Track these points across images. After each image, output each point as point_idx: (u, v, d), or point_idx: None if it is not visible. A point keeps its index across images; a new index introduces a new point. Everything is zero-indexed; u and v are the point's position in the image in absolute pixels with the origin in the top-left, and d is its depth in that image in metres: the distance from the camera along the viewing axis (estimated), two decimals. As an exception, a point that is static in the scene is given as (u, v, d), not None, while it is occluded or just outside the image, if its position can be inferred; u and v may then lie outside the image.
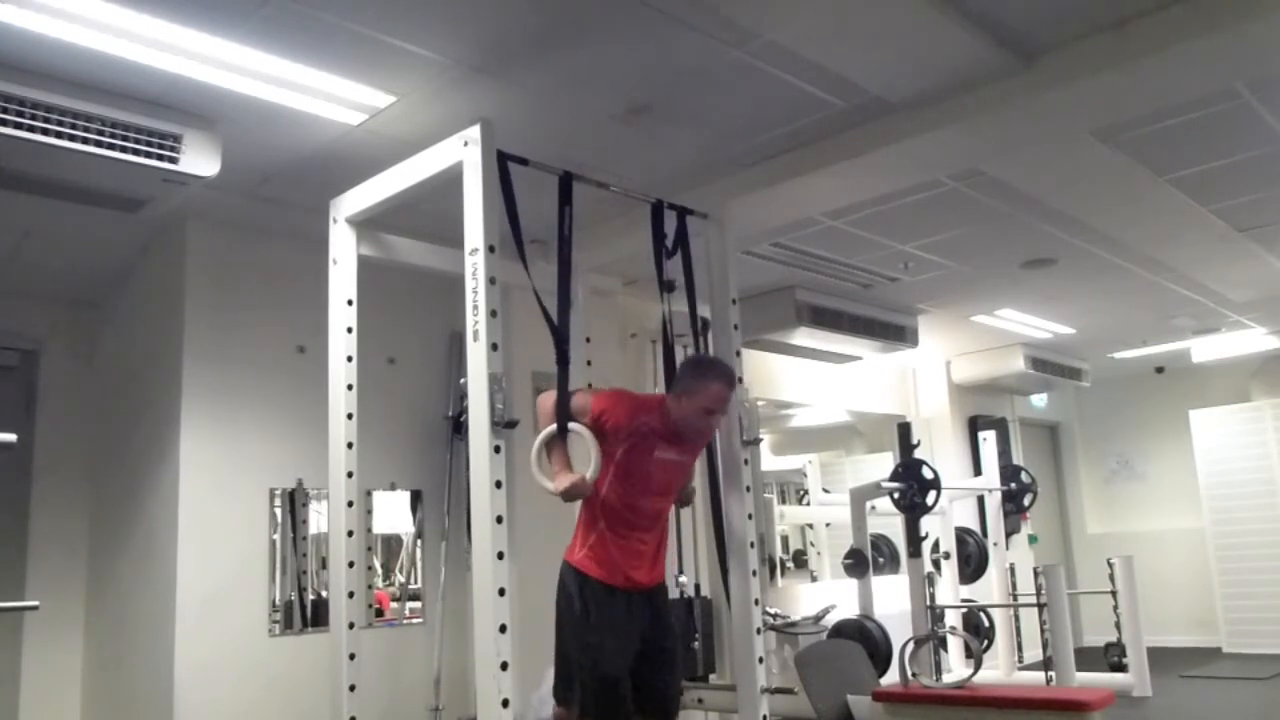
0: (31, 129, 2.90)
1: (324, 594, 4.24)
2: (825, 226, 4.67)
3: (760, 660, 2.98)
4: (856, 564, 5.74)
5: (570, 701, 2.78)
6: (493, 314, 2.42)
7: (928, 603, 5.75)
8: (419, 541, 4.79)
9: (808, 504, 7.39)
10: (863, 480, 6.19)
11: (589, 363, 3.56)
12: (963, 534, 6.93)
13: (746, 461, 3.08)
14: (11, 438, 2.27)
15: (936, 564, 6.69)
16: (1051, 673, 5.65)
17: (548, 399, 2.83)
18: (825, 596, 5.77)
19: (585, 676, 2.74)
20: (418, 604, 4.72)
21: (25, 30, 2.69)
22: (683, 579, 4.88)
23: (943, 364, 8.07)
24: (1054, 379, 8.09)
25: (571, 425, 2.77)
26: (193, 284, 4.15)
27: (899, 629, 5.31)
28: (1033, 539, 8.51)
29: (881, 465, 7.28)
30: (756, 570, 3.03)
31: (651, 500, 2.87)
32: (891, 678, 4.10)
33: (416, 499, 4.78)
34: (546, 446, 2.82)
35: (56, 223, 4.04)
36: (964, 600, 6.72)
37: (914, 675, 3.58)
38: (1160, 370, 9.20)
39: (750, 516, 3.04)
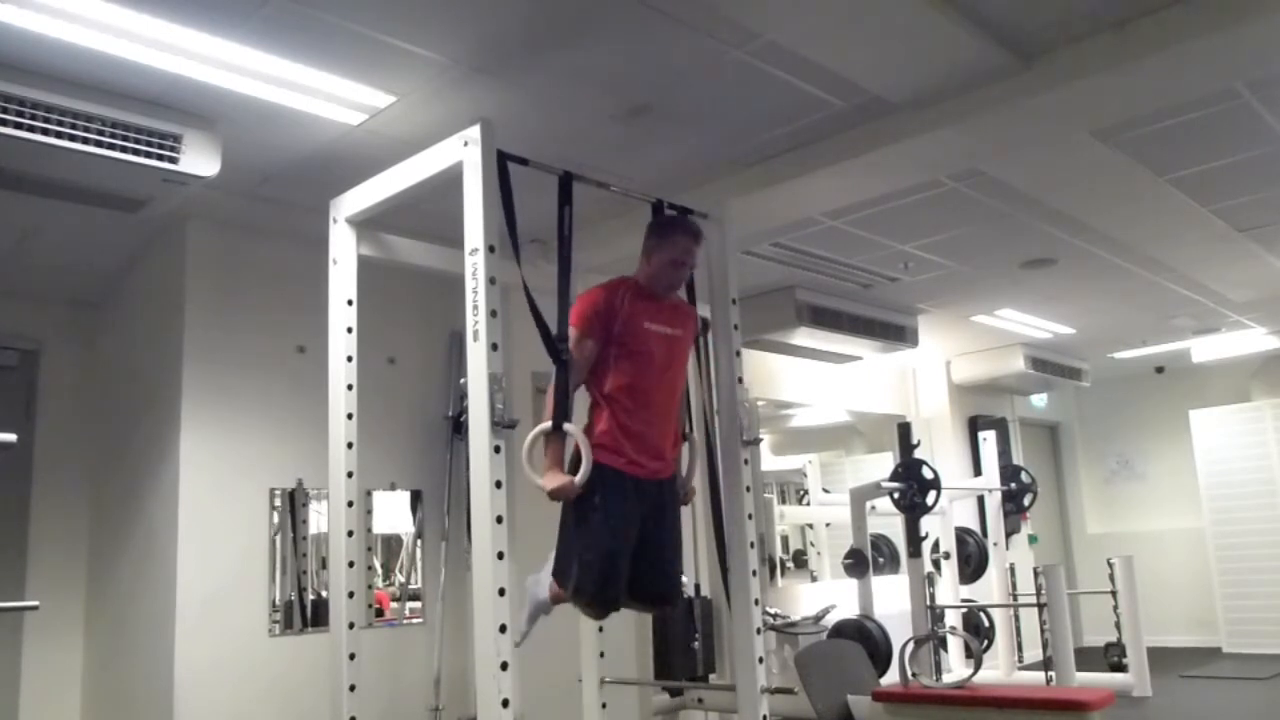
0: (31, 129, 2.90)
1: (324, 594, 4.24)
2: (825, 226, 4.67)
3: (760, 660, 2.98)
4: (856, 564, 5.74)
5: (567, 576, 2.76)
6: (493, 314, 2.42)
7: (928, 603, 5.76)
8: (419, 541, 4.78)
9: (808, 504, 7.39)
10: (863, 480, 6.19)
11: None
12: (963, 534, 6.93)
13: (746, 461, 3.07)
14: (11, 438, 2.27)
15: (936, 564, 6.69)
16: (1051, 673, 5.65)
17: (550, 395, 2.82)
18: (825, 596, 5.77)
19: (586, 554, 2.72)
20: (418, 604, 4.72)
21: (25, 30, 2.69)
22: (683, 579, 4.88)
23: (943, 364, 8.07)
24: (1054, 379, 8.09)
25: (568, 427, 2.76)
26: (193, 284, 4.15)
27: (899, 629, 5.31)
28: (1033, 539, 8.52)
29: (881, 465, 7.29)
30: (756, 570, 3.03)
31: (656, 371, 2.86)
32: (891, 678, 4.10)
33: (416, 499, 4.78)
34: (542, 441, 2.81)
35: (56, 223, 4.04)
36: (964, 600, 6.72)
37: (914, 675, 3.58)
38: (1160, 370, 9.20)
39: (750, 516, 3.04)
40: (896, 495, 5.76)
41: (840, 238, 4.87)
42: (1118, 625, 6.60)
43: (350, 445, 3.02)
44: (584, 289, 2.92)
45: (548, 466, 2.72)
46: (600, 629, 3.70)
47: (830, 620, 5.32)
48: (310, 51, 2.95)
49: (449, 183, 2.63)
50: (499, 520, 2.36)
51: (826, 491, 7.38)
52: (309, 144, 3.57)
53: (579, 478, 2.68)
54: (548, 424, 2.74)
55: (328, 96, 3.21)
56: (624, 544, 2.76)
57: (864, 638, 5.13)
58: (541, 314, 2.70)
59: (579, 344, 2.78)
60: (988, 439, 7.18)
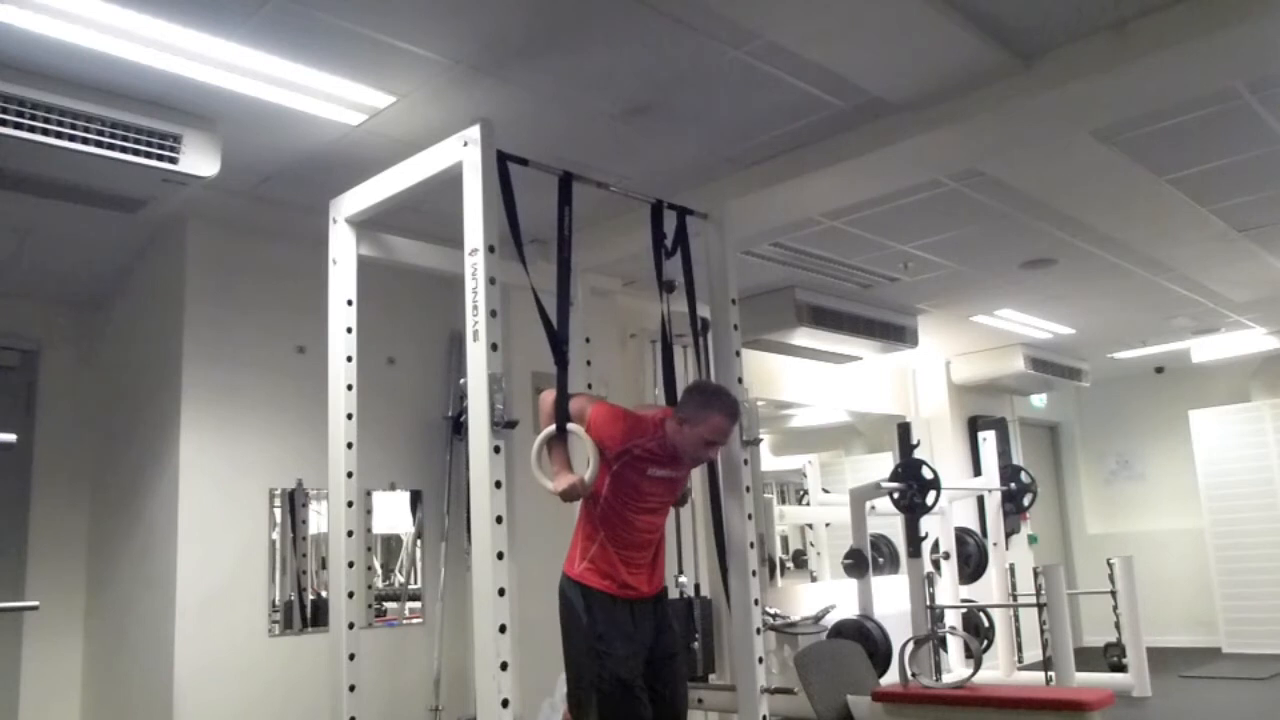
0: (31, 129, 2.90)
1: (324, 594, 4.24)
2: (825, 226, 4.67)
3: (760, 660, 2.98)
4: (856, 564, 5.74)
5: (587, 709, 2.75)
6: (492, 314, 2.42)
7: (927, 603, 5.75)
8: (419, 541, 4.79)
9: (807, 504, 7.39)
10: (862, 480, 6.18)
11: (589, 363, 3.56)
12: (962, 534, 6.93)
13: (746, 461, 3.08)
14: (11, 438, 2.27)
15: (936, 564, 6.68)
16: (1051, 673, 5.65)
17: (549, 397, 2.83)
18: (825, 596, 5.77)
19: (601, 683, 2.72)
20: (418, 604, 4.72)
21: (25, 30, 2.69)
22: (682, 579, 4.88)
23: (942, 364, 8.07)
24: (1054, 379, 8.09)
25: (570, 426, 2.77)
26: (193, 284, 4.15)
27: (899, 629, 5.31)
28: (1032, 539, 8.51)
29: (881, 465, 7.28)
30: (756, 570, 3.03)
31: (644, 517, 2.86)
32: (891, 678, 4.10)
33: (416, 499, 4.78)
34: (546, 446, 2.83)
35: (56, 223, 4.04)
36: (964, 600, 6.71)
37: (914, 675, 3.58)
38: (1160, 370, 9.20)
39: (750, 517, 3.04)
40: (896, 495, 5.75)
41: (840, 238, 4.87)
42: (1117, 625, 6.59)
43: (350, 445, 3.02)
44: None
45: (556, 469, 2.73)
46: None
47: (830, 620, 5.32)
48: (310, 52, 2.95)
49: (449, 183, 2.63)
50: (499, 520, 2.36)
51: (826, 491, 7.38)
52: (309, 144, 3.57)
53: (588, 476, 2.69)
54: (552, 428, 2.76)
55: (327, 97, 3.21)
56: (637, 665, 2.77)
57: (864, 638, 5.13)
58: (548, 314, 2.70)
59: (580, 409, 2.80)
60: (987, 439, 7.18)
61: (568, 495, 2.72)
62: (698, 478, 3.21)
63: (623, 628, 2.78)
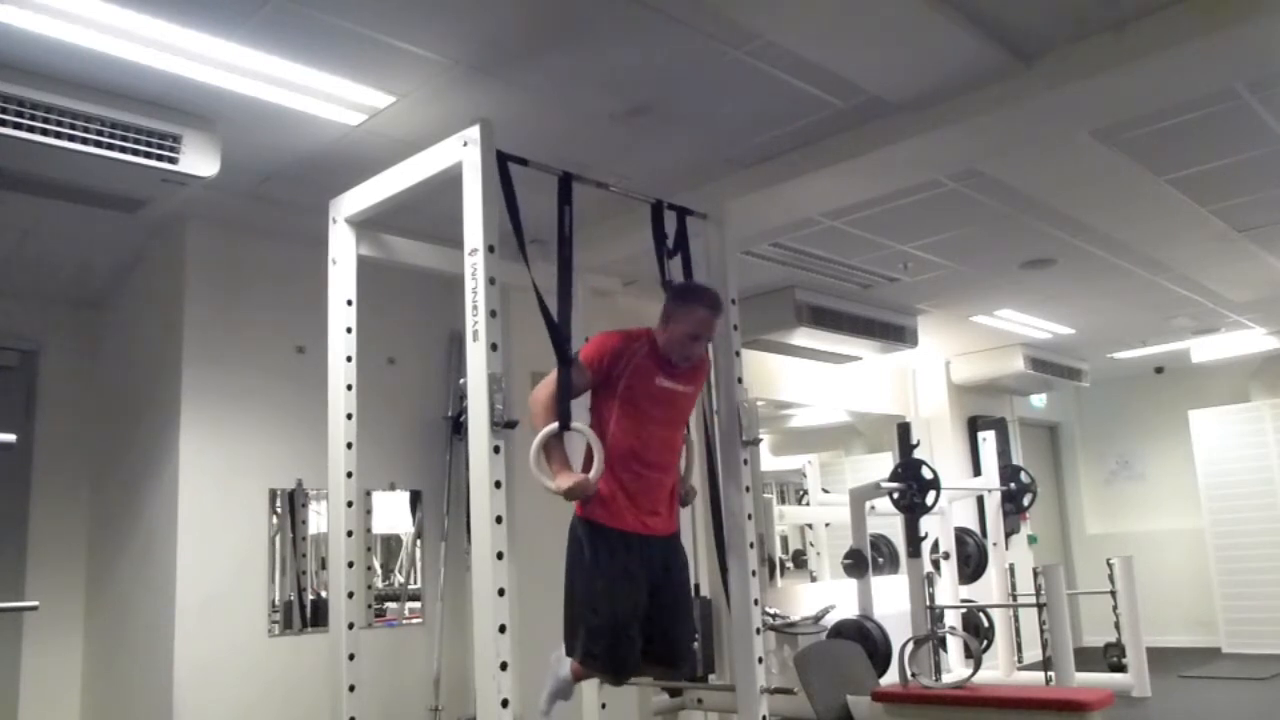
0: (31, 129, 2.90)
1: (323, 594, 4.24)
2: (825, 226, 4.67)
3: (760, 660, 2.98)
4: (856, 564, 5.74)
5: (574, 641, 2.74)
6: (492, 314, 2.42)
7: (927, 603, 5.75)
8: (419, 542, 4.79)
9: (807, 504, 7.39)
10: (862, 480, 6.18)
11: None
12: (962, 534, 6.93)
13: (746, 461, 3.07)
14: (11, 438, 2.27)
15: (936, 564, 6.69)
16: (1051, 673, 5.65)
17: (540, 395, 2.78)
18: (825, 596, 5.77)
19: (594, 620, 2.70)
20: (417, 604, 4.72)
21: (25, 30, 2.69)
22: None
23: (942, 364, 8.08)
24: (1054, 379, 8.09)
25: (575, 424, 2.75)
26: (193, 284, 4.15)
27: (898, 629, 5.31)
28: (1032, 539, 8.51)
29: (881, 465, 7.28)
30: (756, 570, 3.03)
31: (659, 429, 2.84)
32: (891, 678, 4.10)
33: (416, 499, 4.78)
34: (546, 445, 2.80)
35: (56, 223, 4.04)
36: (963, 600, 6.71)
37: (913, 675, 3.58)
38: (1160, 370, 9.20)
39: (750, 517, 3.04)
40: (896, 495, 5.75)
41: (840, 238, 4.87)
42: (1117, 625, 6.59)
43: (350, 445, 3.02)
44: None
45: (557, 468, 2.72)
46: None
47: (830, 620, 5.32)
48: (310, 52, 2.95)
49: (449, 183, 2.63)
50: (499, 520, 2.36)
51: (826, 491, 7.38)
52: (309, 144, 3.57)
53: (592, 474, 2.67)
54: (554, 425, 2.72)
55: (328, 97, 3.21)
56: (632, 607, 2.73)
57: (863, 638, 5.13)
58: (551, 315, 2.70)
59: (579, 371, 2.78)
60: (987, 439, 7.18)
61: (571, 494, 2.69)
62: (698, 478, 3.21)
63: (626, 567, 2.74)
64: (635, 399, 2.79)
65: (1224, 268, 5.73)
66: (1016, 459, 8.31)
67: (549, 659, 2.98)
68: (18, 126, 2.88)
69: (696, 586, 4.92)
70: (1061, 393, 9.38)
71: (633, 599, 2.74)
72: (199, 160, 3.23)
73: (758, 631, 2.99)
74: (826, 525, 7.44)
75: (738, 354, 3.14)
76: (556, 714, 3.04)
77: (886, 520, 6.47)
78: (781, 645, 5.01)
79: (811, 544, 7.60)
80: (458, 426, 4.80)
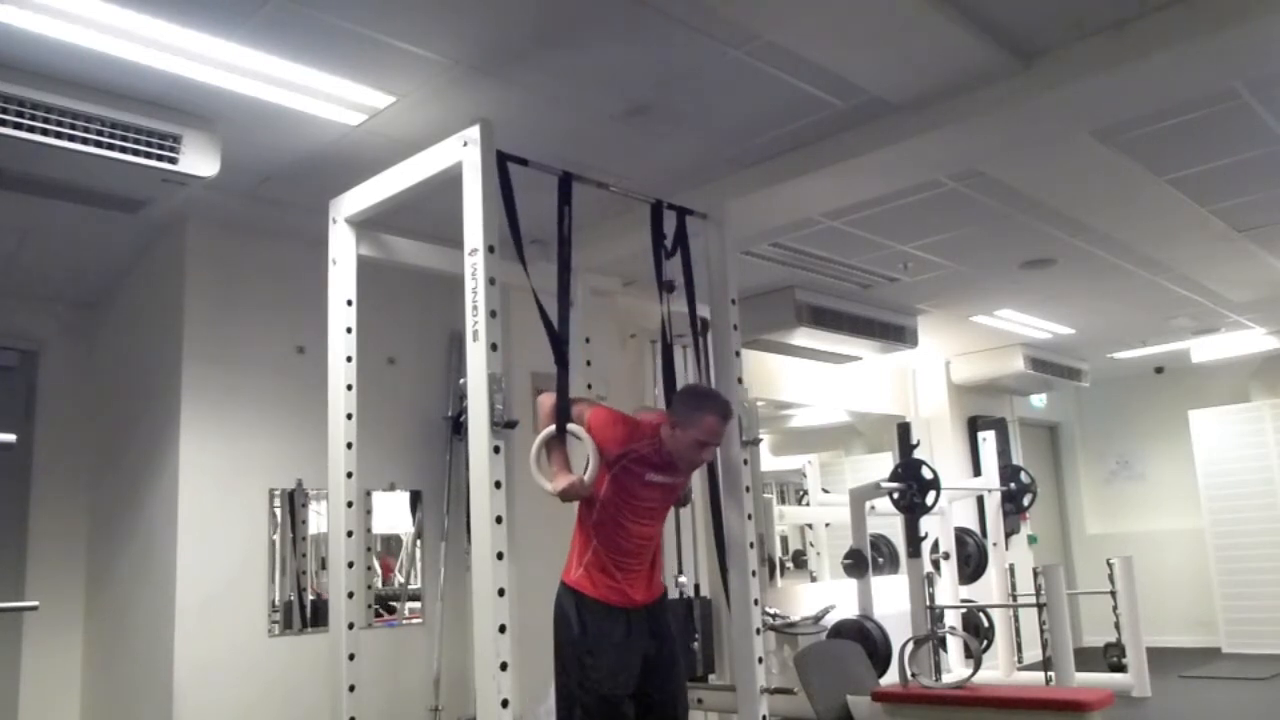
0: (31, 129, 2.90)
1: (323, 594, 4.24)
2: (825, 226, 4.67)
3: (760, 660, 2.98)
4: (856, 564, 5.74)
5: None
6: (492, 314, 2.42)
7: (927, 603, 5.75)
8: (419, 542, 4.78)
9: (807, 504, 7.38)
10: (862, 480, 6.18)
11: (588, 363, 3.56)
12: (962, 534, 6.93)
13: (746, 462, 3.08)
14: (11, 438, 2.27)
15: (936, 564, 6.69)
16: (1051, 673, 5.65)
17: (548, 399, 2.84)
18: (825, 596, 5.76)
19: (586, 698, 2.72)
20: (418, 604, 4.72)
21: (25, 30, 2.69)
22: (682, 579, 4.88)
23: (942, 364, 8.08)
24: (1054, 379, 8.09)
25: (570, 426, 2.77)
26: (193, 284, 4.15)
27: (898, 629, 5.31)
28: (1032, 539, 8.51)
29: (881, 465, 7.28)
30: (756, 570, 3.03)
31: (640, 525, 2.85)
32: (891, 678, 4.10)
33: (416, 499, 4.78)
34: (545, 447, 2.82)
35: (56, 223, 4.04)
36: (963, 600, 6.71)
37: (913, 675, 3.58)
38: (1160, 370, 9.20)
39: (750, 517, 3.04)
40: (896, 495, 5.75)
41: (840, 238, 4.87)
42: (1117, 625, 6.59)
43: (350, 445, 3.02)
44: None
45: (555, 470, 2.73)
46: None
47: (830, 620, 5.31)
48: (310, 52, 2.95)
49: (449, 183, 2.63)
50: (499, 520, 2.36)
51: (826, 492, 7.38)
52: (309, 144, 3.57)
53: (587, 476, 2.69)
54: (552, 428, 2.75)
55: (327, 97, 3.21)
56: (625, 682, 2.75)
57: (863, 638, 5.13)
58: (548, 315, 2.70)
59: (579, 414, 2.80)
60: (987, 439, 7.18)
61: (567, 495, 2.72)
62: (698, 478, 3.21)
63: (614, 638, 2.76)
64: (620, 489, 2.80)
65: (1224, 268, 5.73)
66: (1016, 459, 8.31)
67: (538, 711, 2.97)
68: (18, 126, 2.88)
69: (697, 587, 4.94)
70: (1061, 393, 9.38)
71: (626, 672, 2.76)
72: (199, 160, 3.23)
73: (758, 631, 3.00)
74: (826, 525, 7.44)
75: (738, 354, 3.15)
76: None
77: (886, 520, 6.47)
78: (781, 645, 5.00)
79: (811, 544, 7.60)
80: (458, 426, 4.80)
